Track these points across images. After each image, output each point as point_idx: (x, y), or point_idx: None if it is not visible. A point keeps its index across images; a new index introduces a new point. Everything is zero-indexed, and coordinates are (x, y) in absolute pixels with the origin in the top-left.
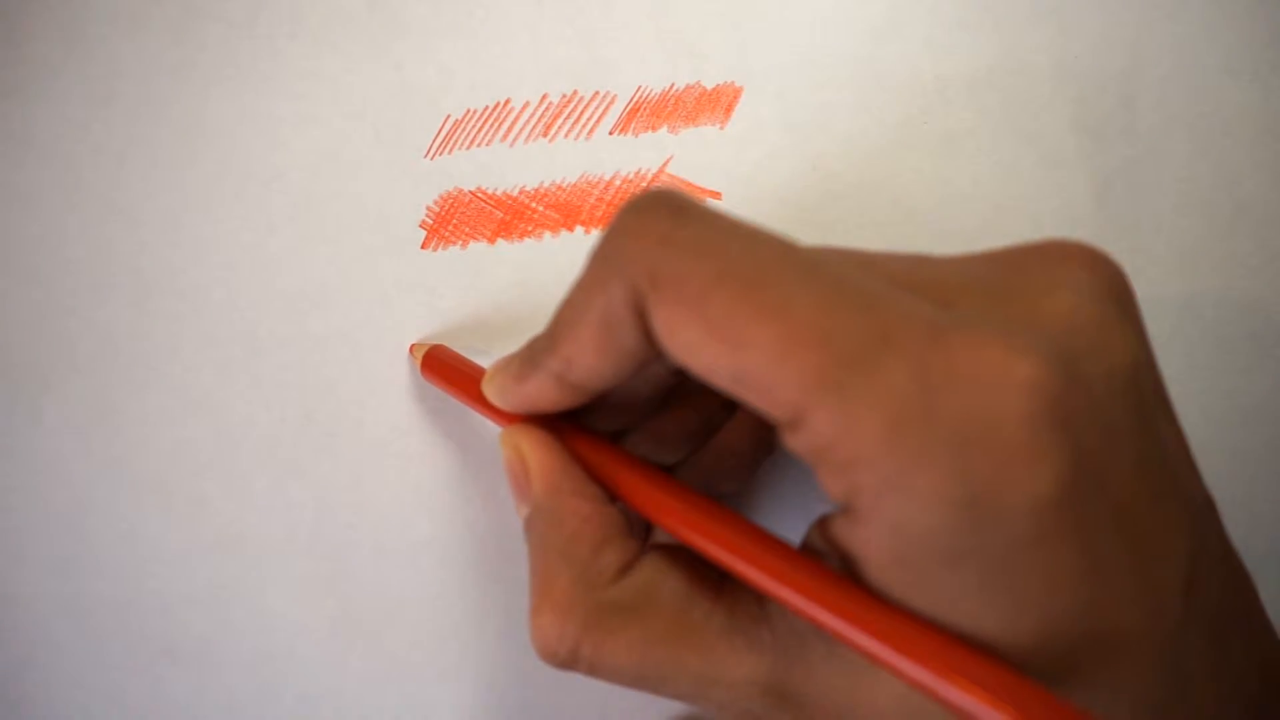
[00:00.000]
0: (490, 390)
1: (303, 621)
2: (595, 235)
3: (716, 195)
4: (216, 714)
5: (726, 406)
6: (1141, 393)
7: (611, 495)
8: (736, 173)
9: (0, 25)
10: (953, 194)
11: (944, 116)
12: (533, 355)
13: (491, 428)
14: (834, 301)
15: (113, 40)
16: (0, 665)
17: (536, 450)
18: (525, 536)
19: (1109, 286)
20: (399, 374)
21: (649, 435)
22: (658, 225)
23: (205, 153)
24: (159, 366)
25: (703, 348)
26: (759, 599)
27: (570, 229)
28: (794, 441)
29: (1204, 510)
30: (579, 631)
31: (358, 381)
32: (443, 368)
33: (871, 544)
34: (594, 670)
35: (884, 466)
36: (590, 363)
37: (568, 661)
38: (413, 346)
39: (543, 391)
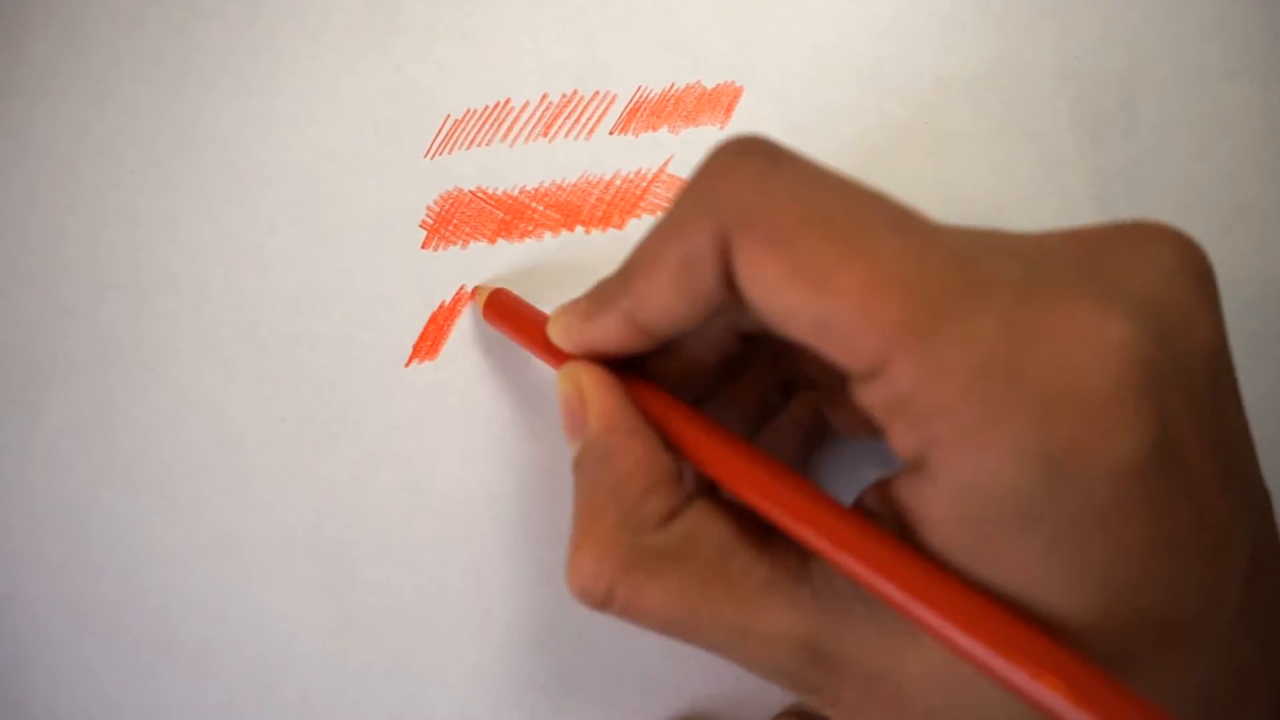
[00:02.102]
0: (555, 329)
1: (303, 622)
2: (595, 235)
3: None
4: (216, 714)
5: (783, 388)
6: (1220, 376)
7: (666, 443)
8: None
9: (0, 25)
10: (953, 194)
11: (944, 116)
12: (603, 294)
13: (495, 426)
14: (924, 252)
15: (112, 40)
16: (0, 665)
17: (596, 387)
18: (574, 473)
19: (1195, 268)
20: (399, 374)
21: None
22: (752, 166)
23: (205, 153)
24: (159, 366)
25: (786, 290)
26: (802, 557)
27: (570, 229)
28: (868, 393)
29: (1263, 504)
30: (617, 572)
31: (358, 381)
32: (504, 310)
33: (937, 502)
34: (627, 612)
35: (964, 417)
36: (664, 302)
37: (602, 601)
38: (476, 288)
39: (610, 331)
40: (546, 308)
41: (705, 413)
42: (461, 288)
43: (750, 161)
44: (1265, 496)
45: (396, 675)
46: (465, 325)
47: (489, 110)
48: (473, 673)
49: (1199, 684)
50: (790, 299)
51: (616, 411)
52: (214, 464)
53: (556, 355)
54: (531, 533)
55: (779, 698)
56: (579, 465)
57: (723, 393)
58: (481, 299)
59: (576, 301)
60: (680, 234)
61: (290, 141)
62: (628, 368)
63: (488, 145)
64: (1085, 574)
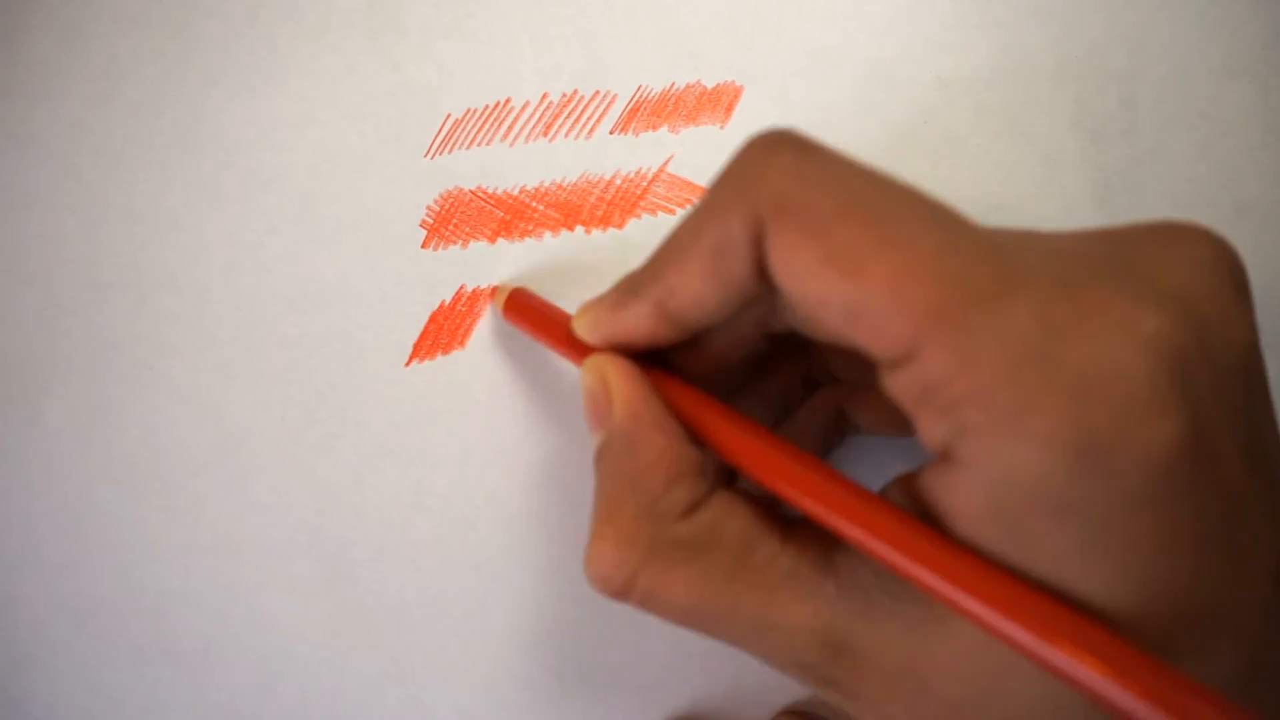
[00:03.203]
0: (582, 323)
1: (302, 622)
2: (595, 235)
3: None
4: (216, 714)
5: (807, 385)
6: (1252, 373)
7: (691, 436)
8: None
9: (0, 25)
10: (953, 194)
11: (944, 116)
12: (633, 284)
13: (495, 426)
14: (958, 242)
15: (112, 39)
16: (0, 665)
17: (621, 377)
18: (596, 464)
19: (1227, 266)
20: (399, 374)
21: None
22: (785, 157)
23: (205, 153)
24: (159, 366)
25: (818, 276)
26: (826, 550)
27: (570, 228)
28: (899, 381)
29: None
30: (639, 561)
31: (358, 381)
32: (525, 309)
33: (968, 492)
34: (647, 602)
35: (999, 404)
36: (695, 291)
37: (622, 590)
38: (495, 288)
39: (639, 321)
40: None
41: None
42: (461, 287)
43: (784, 152)
44: None
45: (396, 675)
46: (472, 325)
47: (489, 110)
48: (473, 673)
49: (1231, 675)
50: (823, 285)
51: (641, 403)
52: (214, 464)
53: (579, 351)
54: (532, 533)
55: (779, 698)
56: (602, 456)
57: (747, 390)
58: (501, 299)
59: (604, 295)
60: (714, 222)
61: (290, 141)
62: (652, 363)
63: (488, 145)
64: (1120, 563)
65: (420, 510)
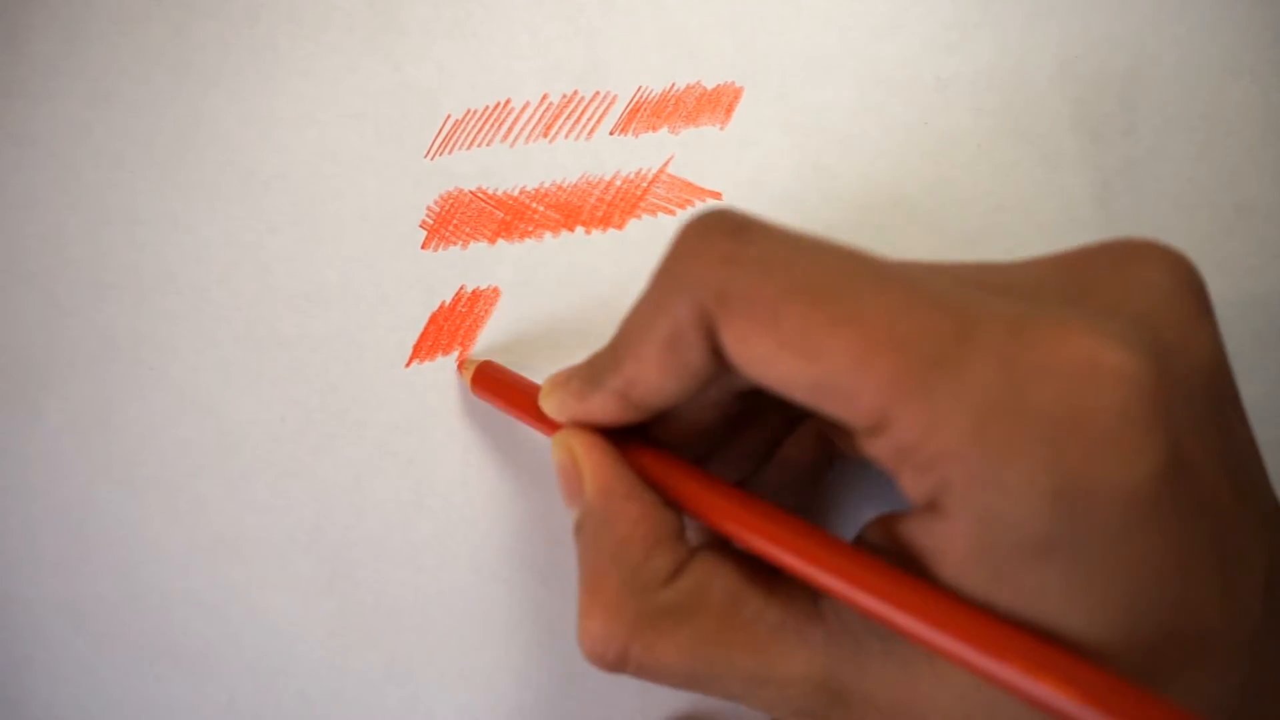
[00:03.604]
0: (549, 405)
1: (302, 622)
2: (595, 235)
3: (717, 195)
4: (216, 714)
5: (789, 423)
6: (1222, 390)
7: (666, 500)
8: (737, 173)
9: (0, 25)
10: (953, 194)
11: (944, 116)
12: (594, 373)
13: (494, 429)
14: (909, 304)
15: (112, 39)
16: (0, 665)
17: (590, 453)
18: (575, 539)
19: (1186, 284)
20: (399, 374)
21: (713, 460)
22: (720, 244)
23: (205, 153)
24: (159, 366)
25: (777, 361)
26: (813, 598)
27: (570, 229)
28: (875, 446)
29: (1276, 516)
30: (628, 634)
31: (358, 381)
32: (493, 383)
33: (953, 538)
34: (643, 672)
35: (973, 461)
36: (654, 382)
37: (616, 664)
38: (461, 363)
39: (605, 409)
40: (546, 313)
41: (712, 463)
42: (461, 287)
43: (717, 236)
44: (1278, 509)
45: (396, 675)
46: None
47: (489, 110)
48: (473, 673)
49: (1223, 700)
50: (783, 369)
51: (612, 476)
52: (214, 464)
53: (549, 423)
54: (532, 533)
55: None
56: (579, 531)
57: (728, 442)
58: (469, 373)
59: (569, 377)
60: (662, 313)
61: (290, 141)
62: (626, 432)
63: (488, 145)
64: (1104, 598)
65: (420, 510)
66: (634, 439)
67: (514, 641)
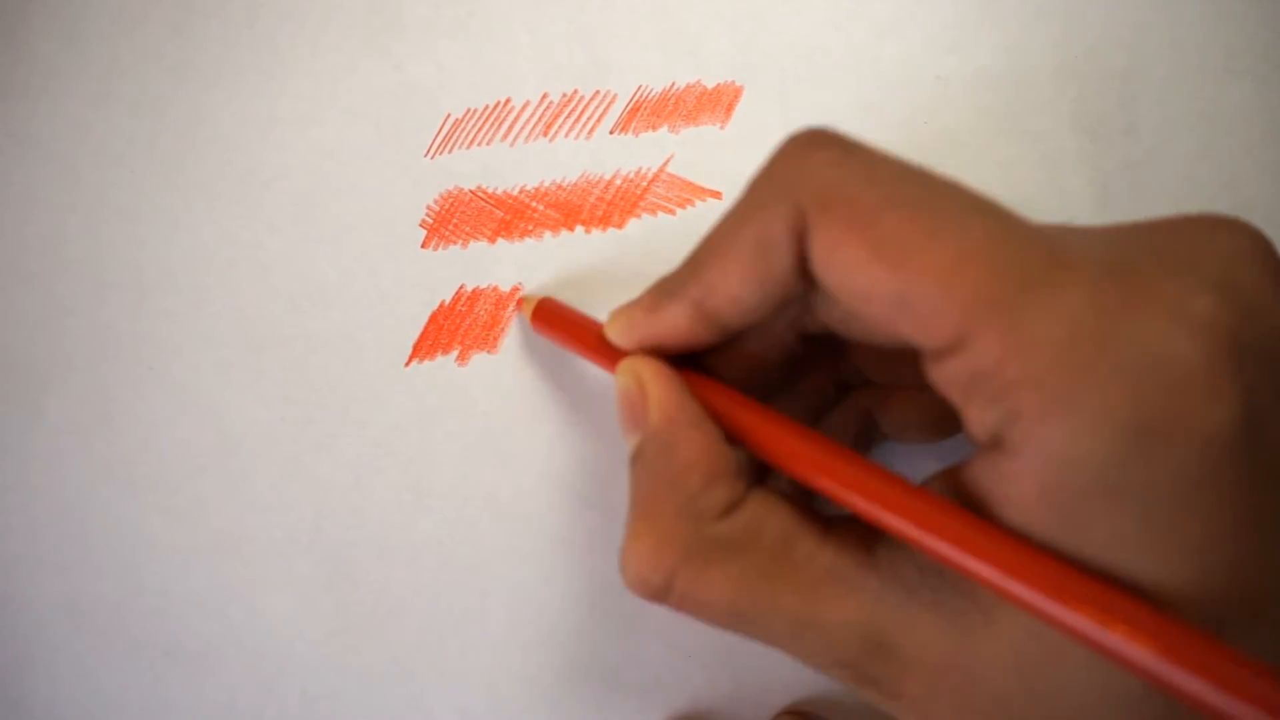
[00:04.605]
0: (615, 328)
1: (302, 621)
2: (595, 235)
3: (717, 195)
4: (216, 714)
5: (838, 390)
6: None
7: (729, 437)
8: (737, 173)
9: (0, 25)
10: None
11: (944, 116)
12: (669, 286)
13: (495, 426)
14: (1006, 232)
15: (112, 39)
16: (0, 665)
17: (657, 379)
18: (631, 466)
19: (1264, 256)
20: (399, 374)
21: None
22: (827, 151)
23: (205, 153)
24: (159, 366)
25: (865, 269)
26: (867, 546)
27: (571, 228)
28: (946, 371)
29: None
30: (677, 560)
31: (358, 381)
32: (555, 318)
33: (1021, 478)
34: (685, 603)
35: (1052, 387)
36: (734, 289)
37: (659, 591)
38: (520, 299)
39: (677, 322)
40: None
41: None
42: (461, 286)
43: (826, 147)
44: None
45: (396, 675)
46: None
47: (489, 110)
48: (473, 673)
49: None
50: (869, 278)
51: (677, 403)
52: (214, 464)
53: (611, 357)
54: (531, 532)
55: (779, 698)
56: (638, 457)
57: (780, 394)
58: (529, 309)
59: (637, 299)
60: (755, 218)
61: (290, 141)
62: (686, 366)
63: (488, 145)
64: (1179, 548)
65: (420, 510)
66: (695, 371)
67: (514, 641)
